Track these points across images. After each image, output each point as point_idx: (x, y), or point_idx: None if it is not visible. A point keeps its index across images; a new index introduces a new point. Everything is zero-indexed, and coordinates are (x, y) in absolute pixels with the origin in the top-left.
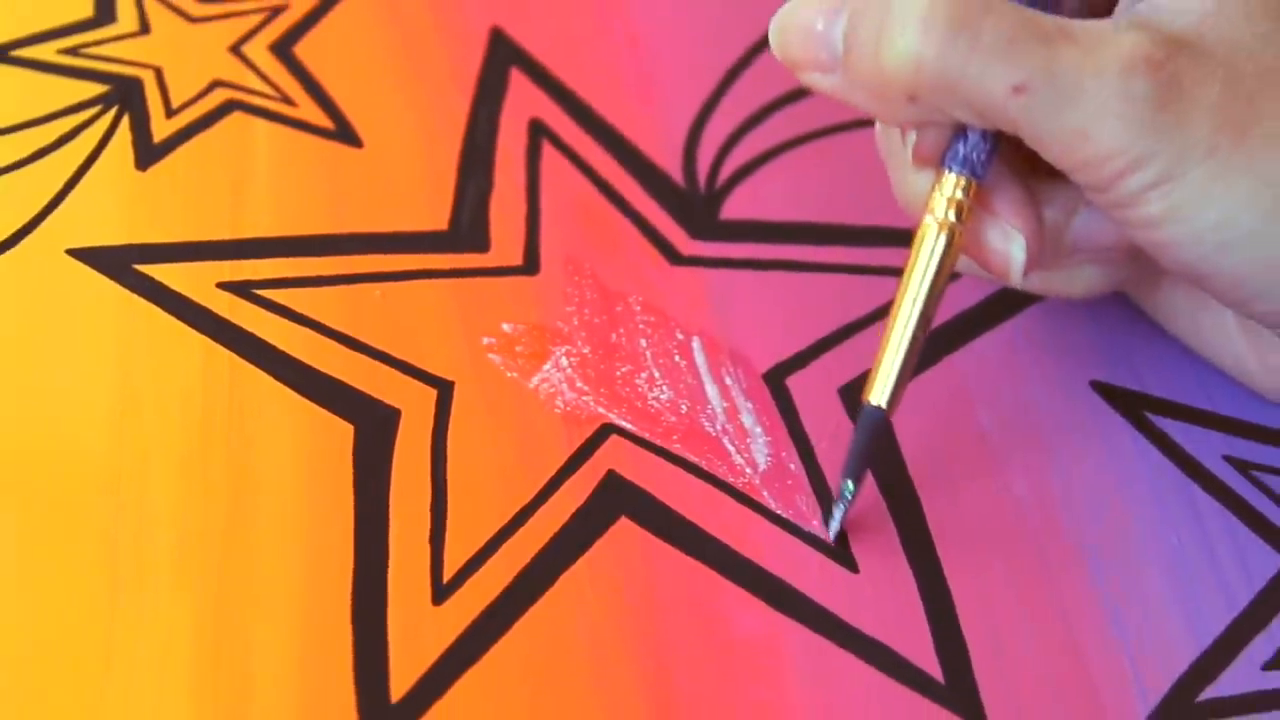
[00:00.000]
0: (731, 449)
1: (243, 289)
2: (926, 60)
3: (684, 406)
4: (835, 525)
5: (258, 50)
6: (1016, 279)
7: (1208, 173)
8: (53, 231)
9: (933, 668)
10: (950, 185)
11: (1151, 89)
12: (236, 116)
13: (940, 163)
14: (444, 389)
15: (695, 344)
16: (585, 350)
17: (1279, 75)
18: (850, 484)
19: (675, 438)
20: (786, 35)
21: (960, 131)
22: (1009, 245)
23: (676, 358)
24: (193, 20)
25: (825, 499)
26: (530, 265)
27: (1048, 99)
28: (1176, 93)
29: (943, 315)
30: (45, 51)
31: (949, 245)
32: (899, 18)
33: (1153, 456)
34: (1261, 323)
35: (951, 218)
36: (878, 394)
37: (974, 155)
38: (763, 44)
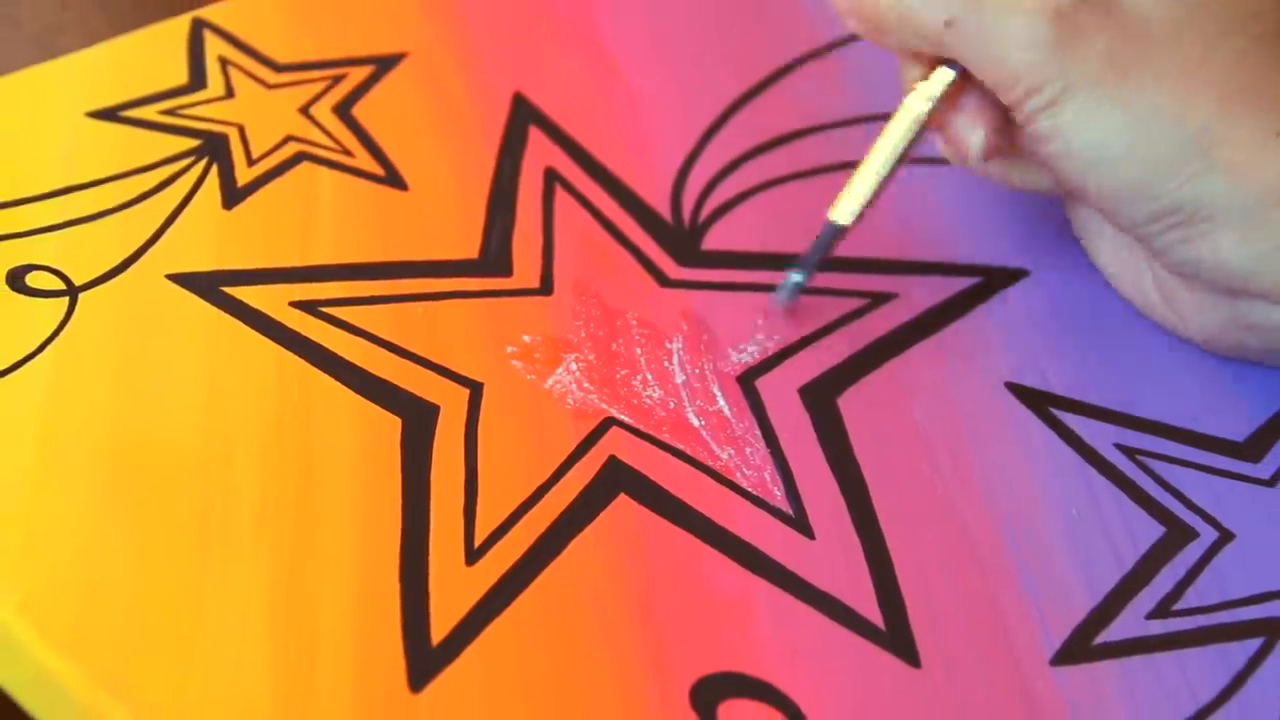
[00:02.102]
0: (709, 438)
1: (310, 307)
2: (885, 1)
3: (671, 403)
4: (780, 300)
5: (323, 111)
6: (974, 161)
7: (1089, 102)
8: (154, 260)
9: (876, 617)
10: (936, 79)
11: (1053, 31)
12: (305, 166)
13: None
14: (475, 389)
15: (680, 352)
16: (590, 357)
17: (1167, 36)
18: (798, 275)
19: (664, 429)
20: None
21: None
22: (971, 135)
23: (665, 363)
24: (269, 87)
25: (788, 479)
26: (545, 287)
27: (972, 32)
28: (1074, 36)
29: (884, 327)
30: (149, 112)
31: (918, 121)
32: None
33: (1055, 444)
34: (1133, 235)
35: (926, 102)
36: (842, 215)
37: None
38: (736, 107)
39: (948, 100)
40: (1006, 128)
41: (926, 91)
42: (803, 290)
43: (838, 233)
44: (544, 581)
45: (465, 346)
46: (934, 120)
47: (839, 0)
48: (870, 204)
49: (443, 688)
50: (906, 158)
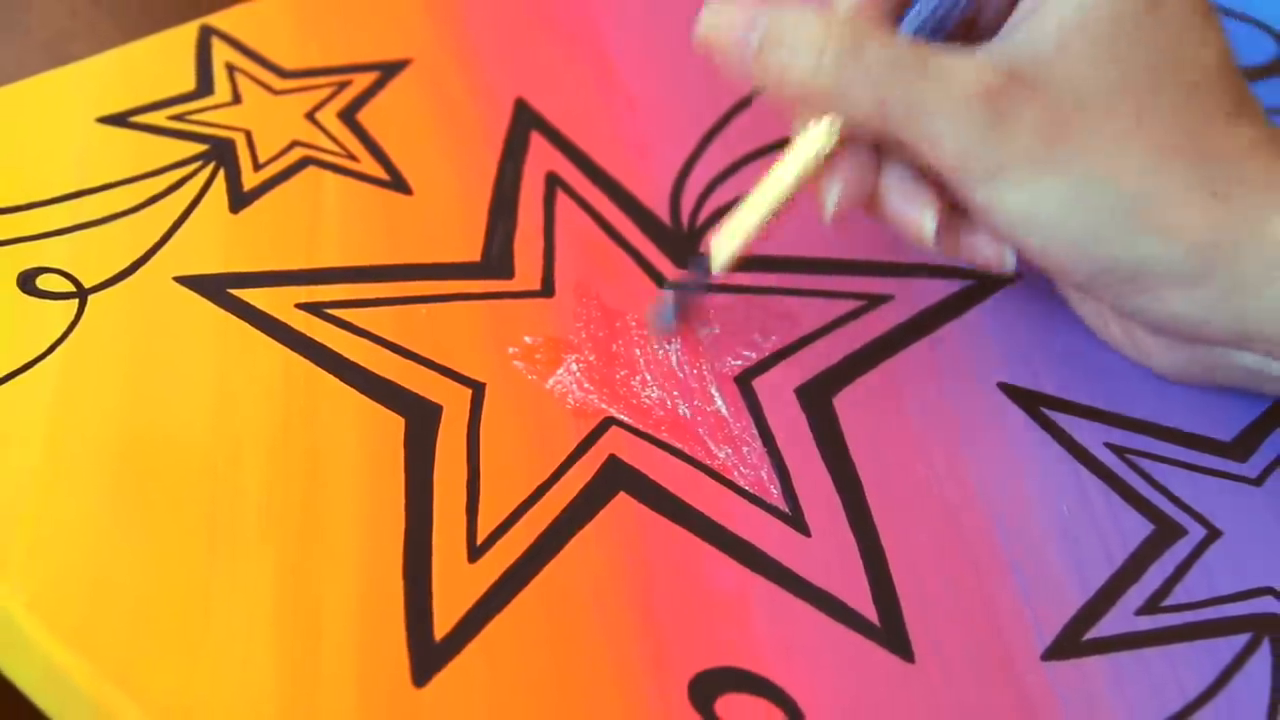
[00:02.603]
0: (707, 437)
1: (316, 309)
2: (816, 81)
3: (669, 403)
4: (659, 327)
5: (328, 117)
6: (929, 240)
7: (1023, 174)
8: (163, 262)
9: (870, 613)
10: (826, 130)
11: (985, 114)
12: (311, 170)
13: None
14: (477, 389)
15: (679, 353)
16: (591, 358)
17: (1099, 103)
18: (673, 313)
19: (663, 428)
20: (713, 26)
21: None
22: (921, 216)
23: (664, 364)
24: (275, 93)
25: (784, 478)
26: (547, 289)
27: (903, 114)
28: (1005, 115)
29: (879, 329)
30: (157, 118)
31: (803, 171)
32: (801, 44)
33: (1047, 443)
34: (1083, 290)
35: (815, 152)
36: (721, 264)
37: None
38: (734, 112)
39: (836, 152)
40: (872, 188)
41: (817, 144)
42: (673, 323)
43: (707, 278)
44: (545, 578)
45: (468, 347)
46: (828, 165)
47: (764, 73)
48: (746, 250)
49: (446, 682)
50: (786, 208)
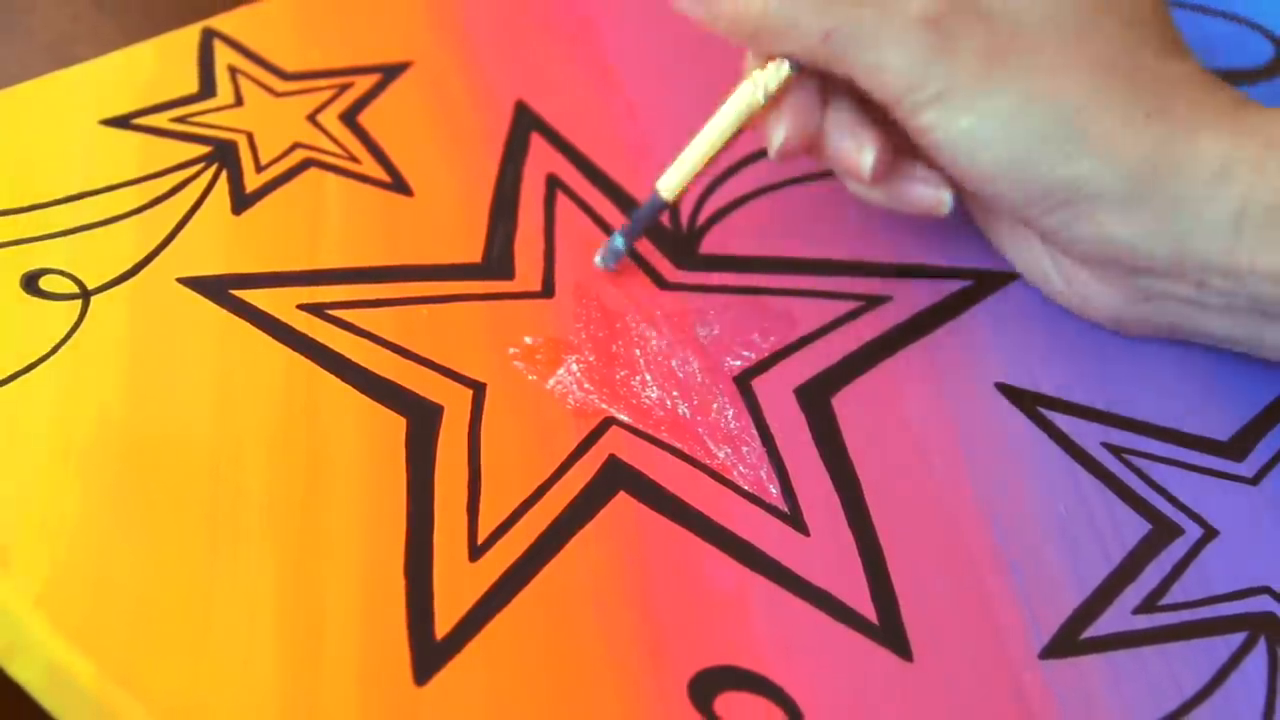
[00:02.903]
0: (707, 437)
1: (317, 310)
2: (766, 18)
3: (669, 403)
4: (604, 263)
5: (329, 119)
6: (868, 176)
7: (967, 95)
8: (166, 263)
9: (869, 612)
10: (772, 72)
11: (929, 38)
12: (312, 172)
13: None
14: (478, 389)
15: (679, 353)
16: (591, 358)
17: (1036, 28)
18: (621, 240)
19: (663, 428)
20: None
21: None
22: (861, 153)
23: (664, 364)
24: (277, 95)
25: (783, 477)
26: (547, 290)
27: (850, 44)
28: (948, 40)
29: (877, 329)
30: (160, 120)
31: (750, 110)
32: None
33: (1044, 442)
34: (1022, 220)
35: (771, 87)
36: (669, 190)
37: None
38: None
39: (781, 93)
40: (886, 144)
41: (763, 83)
42: (622, 255)
43: (662, 205)
44: (545, 577)
45: (468, 348)
46: (766, 109)
47: (715, 7)
48: (691, 182)
49: (447, 680)
50: (731, 144)
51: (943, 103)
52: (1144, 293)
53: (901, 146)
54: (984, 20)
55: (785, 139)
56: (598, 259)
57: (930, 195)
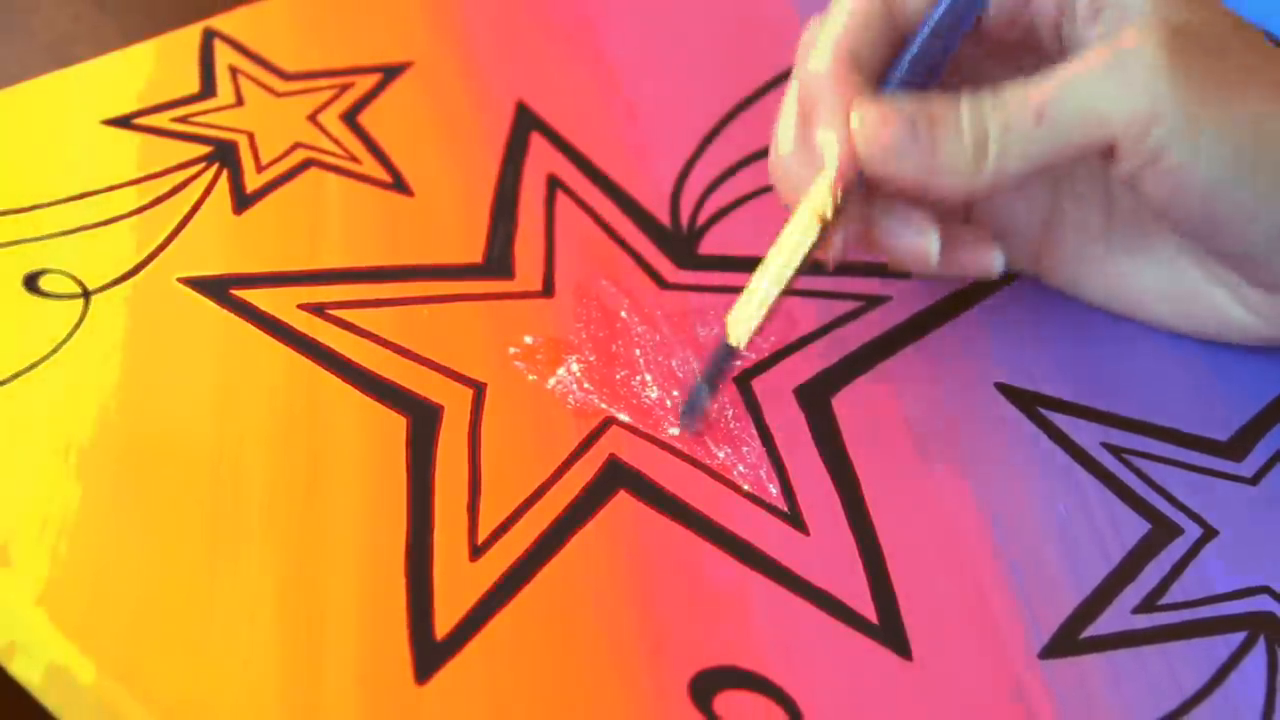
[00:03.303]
0: (707, 437)
1: (318, 309)
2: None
3: (669, 403)
4: (690, 426)
5: (330, 119)
6: (933, 260)
7: (1206, 124)
8: (167, 263)
9: (868, 611)
10: (827, 191)
11: (1164, 56)
12: (313, 172)
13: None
14: (478, 389)
15: (679, 353)
16: (591, 358)
17: (1227, 49)
18: (707, 393)
19: (663, 428)
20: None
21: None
22: (925, 239)
23: (664, 364)
24: (278, 95)
25: (783, 477)
26: (547, 290)
27: (1070, 106)
28: (1180, 64)
29: (877, 329)
30: (161, 120)
31: (820, 235)
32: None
33: (1044, 443)
34: (1234, 259)
35: (828, 214)
36: (739, 339)
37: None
38: (733, 115)
39: (839, 217)
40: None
41: (820, 210)
42: (707, 409)
43: (733, 353)
44: (546, 577)
45: (469, 348)
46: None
47: (874, 155)
48: (765, 324)
49: (447, 680)
50: (799, 275)
51: (1188, 135)
52: None
53: (963, 216)
54: (1199, 41)
55: (843, 245)
56: (684, 421)
57: (983, 259)
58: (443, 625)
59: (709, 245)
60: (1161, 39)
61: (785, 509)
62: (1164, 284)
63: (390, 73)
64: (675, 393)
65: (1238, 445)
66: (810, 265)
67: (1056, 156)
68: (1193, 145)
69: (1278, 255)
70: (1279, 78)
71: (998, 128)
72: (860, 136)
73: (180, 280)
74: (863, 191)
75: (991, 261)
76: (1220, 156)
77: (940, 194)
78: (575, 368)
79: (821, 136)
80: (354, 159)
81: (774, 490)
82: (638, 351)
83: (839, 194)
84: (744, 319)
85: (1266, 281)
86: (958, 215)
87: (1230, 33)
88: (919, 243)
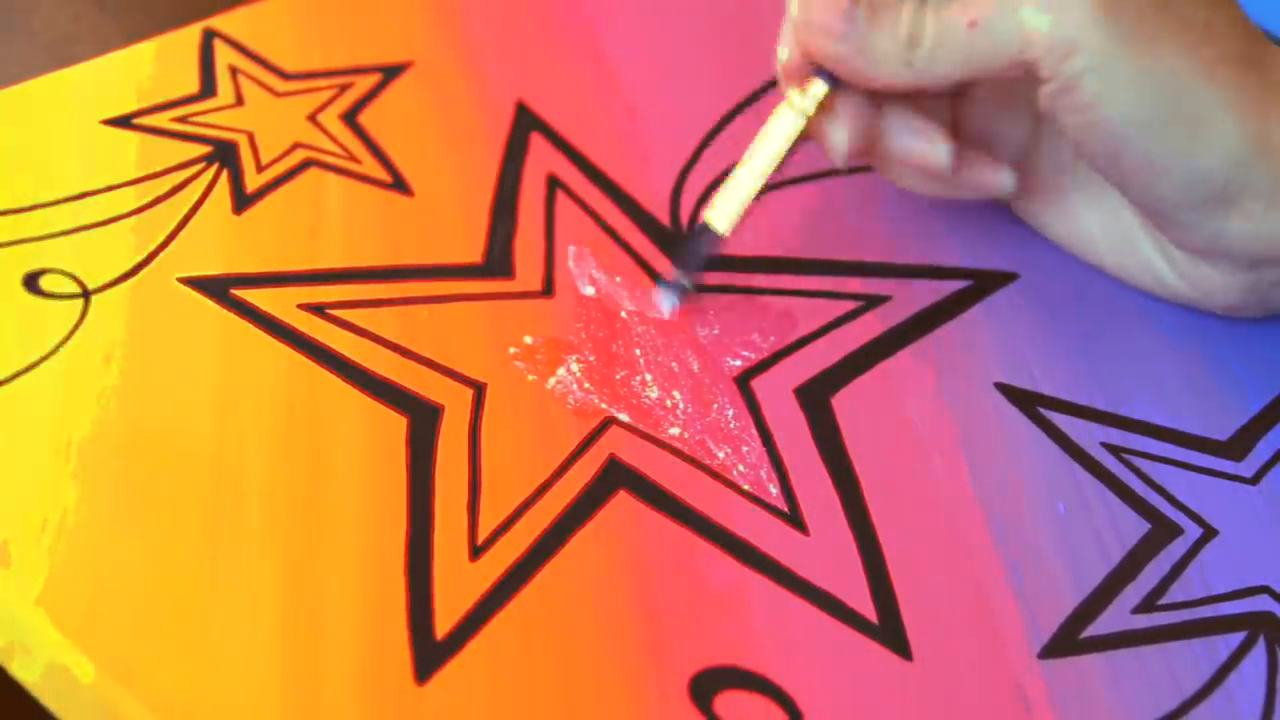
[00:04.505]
0: (707, 437)
1: (318, 309)
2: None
3: (669, 403)
4: (668, 308)
5: (330, 119)
6: (946, 167)
7: (1127, 67)
8: (167, 263)
9: (868, 611)
10: (811, 93)
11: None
12: (313, 172)
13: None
14: (478, 389)
15: (679, 353)
16: (591, 358)
17: (1177, 7)
18: (688, 281)
19: (663, 428)
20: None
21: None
22: (933, 147)
23: (664, 363)
24: (278, 95)
25: (783, 477)
26: (547, 290)
27: (1000, 18)
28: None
29: (877, 329)
30: (161, 119)
31: (800, 126)
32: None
33: (1044, 442)
34: (1154, 215)
35: (810, 108)
36: (722, 223)
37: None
38: (733, 115)
39: (821, 111)
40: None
41: (802, 105)
42: (689, 293)
43: (716, 238)
44: (546, 577)
45: (469, 348)
46: (809, 131)
47: (811, 37)
48: (745, 214)
49: (447, 680)
50: (783, 167)
51: (1103, 71)
52: (1270, 279)
53: (956, 133)
54: None
55: (849, 144)
56: (665, 310)
57: (993, 177)
58: (443, 625)
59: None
60: None
61: (785, 509)
62: (1110, 232)
63: (390, 73)
64: (675, 393)
65: (1238, 445)
66: (794, 160)
67: (983, 66)
68: (1106, 81)
69: (1187, 214)
70: (1211, 40)
71: (932, 27)
72: (800, 17)
73: (180, 280)
74: (846, 92)
75: (1000, 179)
76: (1132, 100)
77: (868, 83)
78: (575, 368)
79: (782, 33)
80: (354, 159)
81: (774, 490)
82: (638, 351)
83: (820, 93)
84: (725, 206)
85: (1184, 243)
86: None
87: None
88: (930, 150)
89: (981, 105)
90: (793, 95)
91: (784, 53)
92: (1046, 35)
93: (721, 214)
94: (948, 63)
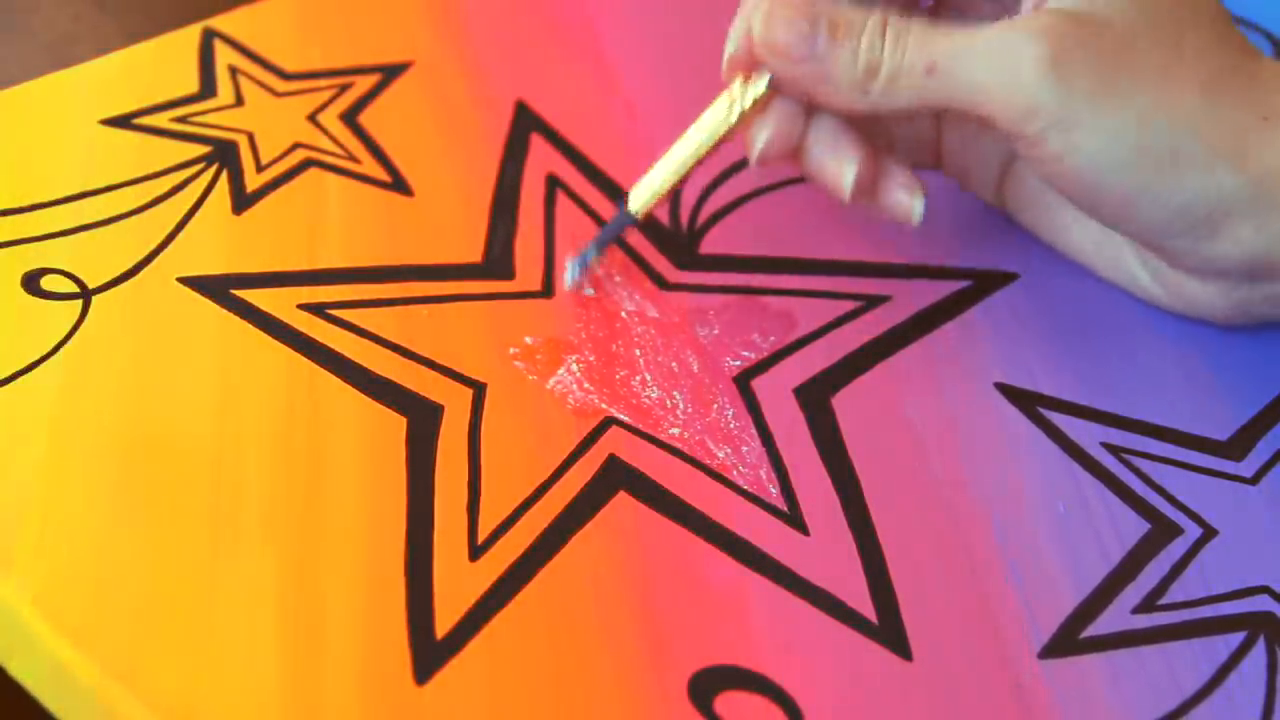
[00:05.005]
0: (707, 437)
1: (318, 309)
2: (860, 50)
3: (669, 403)
4: (571, 281)
5: (330, 119)
6: (847, 195)
7: (1091, 113)
8: (166, 263)
9: (868, 611)
10: (750, 89)
11: (1047, 50)
12: (313, 172)
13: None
14: (478, 389)
15: (679, 353)
16: (591, 358)
17: (1135, 40)
18: (594, 253)
19: (663, 428)
20: (768, 35)
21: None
22: (841, 170)
23: (664, 363)
24: (278, 95)
25: (783, 477)
26: (547, 290)
27: (957, 74)
28: (1067, 53)
29: (877, 329)
30: (161, 119)
31: (725, 126)
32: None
33: (1044, 442)
34: (1144, 243)
35: (746, 105)
36: (637, 206)
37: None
38: None
39: (755, 111)
40: (872, 156)
41: (739, 100)
42: (591, 272)
43: (629, 222)
44: (545, 577)
45: (469, 348)
46: (740, 126)
47: (772, 58)
48: (663, 198)
49: (447, 680)
50: (705, 159)
51: (1068, 125)
52: (1260, 292)
53: (883, 149)
54: (1089, 28)
55: (765, 147)
56: (568, 281)
57: (904, 204)
58: (442, 625)
59: (709, 245)
60: (1053, 30)
61: (785, 509)
62: (1098, 238)
63: (390, 73)
64: (675, 393)
65: (1238, 445)
66: (717, 147)
67: (942, 107)
68: (1069, 135)
69: (1174, 241)
70: (1181, 67)
71: (890, 65)
72: (759, 31)
73: (180, 280)
74: (783, 98)
75: (910, 208)
76: (1098, 149)
77: (824, 105)
78: (575, 368)
79: (734, 26)
80: (354, 159)
81: (774, 490)
82: (638, 351)
83: (759, 90)
84: (643, 190)
85: (1174, 264)
86: (930, 145)
87: (1155, 19)
88: (837, 171)
89: (961, 118)
90: (735, 87)
91: (732, 45)
92: (1001, 97)
93: (636, 197)
94: (904, 99)
